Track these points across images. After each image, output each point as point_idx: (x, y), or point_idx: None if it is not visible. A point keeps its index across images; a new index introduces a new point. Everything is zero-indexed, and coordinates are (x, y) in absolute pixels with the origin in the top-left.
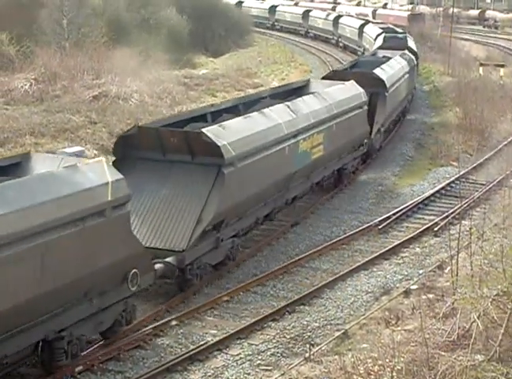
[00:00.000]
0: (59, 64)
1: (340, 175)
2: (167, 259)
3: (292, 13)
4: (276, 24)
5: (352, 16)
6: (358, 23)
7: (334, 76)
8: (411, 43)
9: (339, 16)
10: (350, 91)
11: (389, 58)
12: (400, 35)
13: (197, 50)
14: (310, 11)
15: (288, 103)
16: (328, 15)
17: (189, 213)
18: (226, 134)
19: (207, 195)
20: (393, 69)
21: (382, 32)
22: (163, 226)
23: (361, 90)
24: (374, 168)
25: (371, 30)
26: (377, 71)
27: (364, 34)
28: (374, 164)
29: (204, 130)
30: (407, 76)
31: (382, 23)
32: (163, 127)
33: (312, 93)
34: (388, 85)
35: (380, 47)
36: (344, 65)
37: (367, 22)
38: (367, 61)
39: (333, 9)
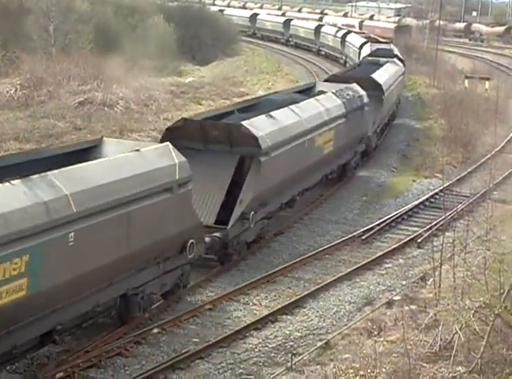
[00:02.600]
0: (45, 70)
1: (129, 305)
2: None
3: (306, 29)
4: (290, 39)
5: (363, 32)
6: (359, 41)
7: (185, 126)
8: (378, 74)
9: (347, 33)
10: (146, 163)
11: (318, 95)
12: (381, 61)
13: (184, 58)
14: (322, 26)
15: None
16: (337, 31)
17: None
18: None
19: None
20: (297, 117)
21: (369, 55)
22: None
23: (176, 160)
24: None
25: (365, 51)
26: (250, 123)
27: (361, 55)
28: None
29: None
30: (339, 121)
31: (384, 42)
32: None
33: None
34: (266, 145)
35: (333, 77)
36: (237, 104)
37: (368, 41)
38: (274, 100)
39: (320, 19)
